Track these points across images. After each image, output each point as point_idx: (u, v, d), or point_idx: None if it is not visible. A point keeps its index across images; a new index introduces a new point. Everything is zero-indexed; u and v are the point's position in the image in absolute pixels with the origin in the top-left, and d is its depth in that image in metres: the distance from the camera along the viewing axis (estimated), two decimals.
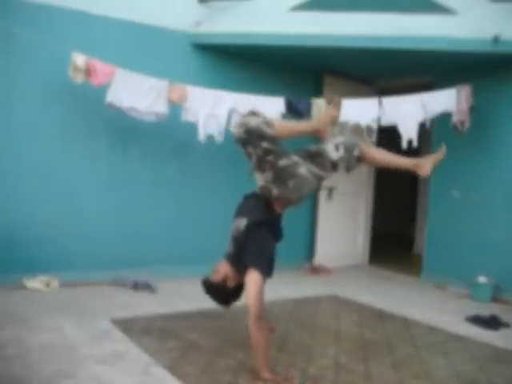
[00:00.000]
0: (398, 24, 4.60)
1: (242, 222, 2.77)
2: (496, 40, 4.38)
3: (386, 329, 3.71)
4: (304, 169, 2.80)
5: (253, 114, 2.79)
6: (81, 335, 3.10)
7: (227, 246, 2.89)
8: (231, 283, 2.88)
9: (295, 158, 2.81)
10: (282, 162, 2.74)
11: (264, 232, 2.76)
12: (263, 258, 2.70)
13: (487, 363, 3.13)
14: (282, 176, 2.74)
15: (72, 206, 4.45)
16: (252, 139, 2.69)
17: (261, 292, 2.62)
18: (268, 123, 2.74)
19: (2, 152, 4.12)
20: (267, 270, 2.70)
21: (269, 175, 2.75)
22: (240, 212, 2.88)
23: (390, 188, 8.12)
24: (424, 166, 2.95)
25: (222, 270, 2.88)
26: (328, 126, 3.08)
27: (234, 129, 2.77)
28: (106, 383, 2.45)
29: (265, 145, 2.69)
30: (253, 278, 2.63)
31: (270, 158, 2.72)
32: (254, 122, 2.70)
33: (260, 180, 2.81)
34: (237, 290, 2.94)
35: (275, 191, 2.77)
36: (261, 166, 2.74)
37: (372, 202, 6.56)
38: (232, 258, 2.85)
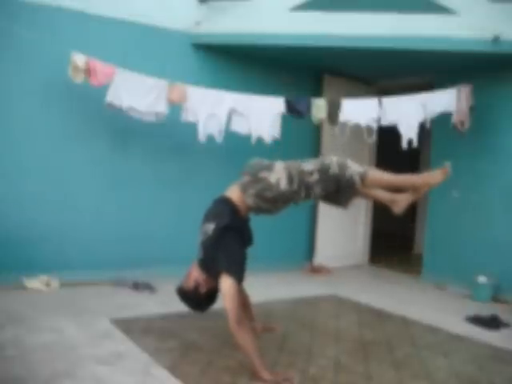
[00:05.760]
0: (398, 24, 4.60)
1: (210, 227, 2.80)
2: (496, 40, 4.38)
3: (386, 329, 3.71)
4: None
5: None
6: (81, 335, 3.10)
7: (198, 251, 2.91)
8: (203, 289, 2.91)
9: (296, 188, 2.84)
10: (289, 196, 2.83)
11: (233, 236, 2.77)
12: (234, 263, 2.71)
13: (487, 363, 3.13)
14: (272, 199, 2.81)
15: (72, 206, 4.44)
16: (322, 177, 2.76)
17: (237, 297, 2.63)
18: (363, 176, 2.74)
19: (2, 152, 4.12)
20: (239, 275, 2.70)
21: (271, 195, 2.80)
22: (208, 217, 2.90)
23: None
24: None
25: (193, 275, 2.92)
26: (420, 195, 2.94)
27: (335, 160, 2.80)
28: (105, 383, 2.45)
29: (312, 180, 2.77)
30: (227, 283, 2.64)
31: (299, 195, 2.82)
32: (349, 174, 2.74)
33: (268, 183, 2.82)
34: (210, 296, 2.96)
35: (251, 200, 2.82)
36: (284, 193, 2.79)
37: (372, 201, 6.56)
38: (202, 263, 2.88)
